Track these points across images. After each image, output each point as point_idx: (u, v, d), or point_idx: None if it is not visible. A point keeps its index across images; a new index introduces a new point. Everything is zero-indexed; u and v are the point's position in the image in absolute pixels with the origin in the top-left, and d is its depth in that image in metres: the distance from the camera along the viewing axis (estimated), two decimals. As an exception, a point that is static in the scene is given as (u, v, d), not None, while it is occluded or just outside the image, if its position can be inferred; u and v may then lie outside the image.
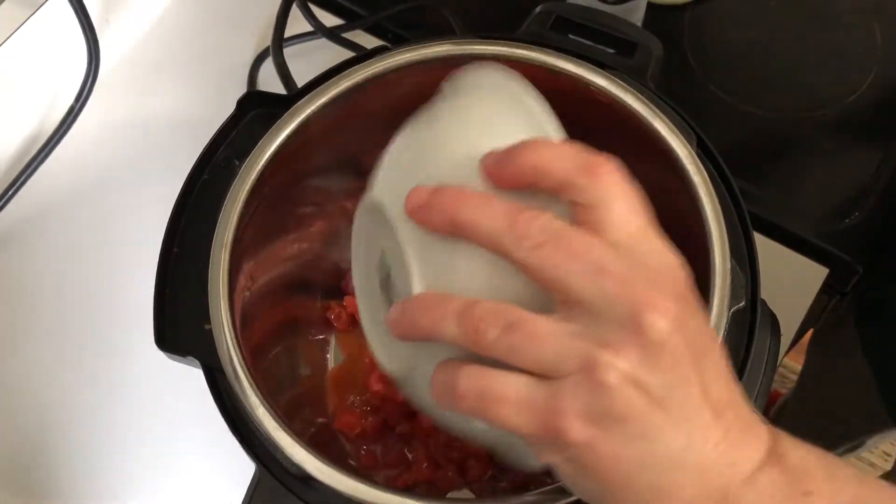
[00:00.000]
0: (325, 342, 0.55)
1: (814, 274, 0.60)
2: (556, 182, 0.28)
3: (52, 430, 0.57)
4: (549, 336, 0.27)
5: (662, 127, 0.42)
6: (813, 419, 0.87)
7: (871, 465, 1.13)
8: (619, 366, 0.26)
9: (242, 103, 0.46)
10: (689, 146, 0.42)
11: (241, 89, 0.69)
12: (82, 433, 0.57)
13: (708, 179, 0.40)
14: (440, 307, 0.28)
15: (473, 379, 0.28)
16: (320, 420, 0.50)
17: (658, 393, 0.27)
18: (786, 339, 0.56)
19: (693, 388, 0.28)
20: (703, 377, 0.28)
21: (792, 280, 0.59)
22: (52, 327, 0.60)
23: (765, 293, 0.43)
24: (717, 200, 0.40)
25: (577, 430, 0.27)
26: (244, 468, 0.41)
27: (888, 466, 1.11)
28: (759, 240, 0.60)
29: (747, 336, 0.40)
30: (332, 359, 0.54)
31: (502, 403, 0.28)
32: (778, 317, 0.44)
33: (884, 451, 1.12)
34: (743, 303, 0.39)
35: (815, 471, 0.30)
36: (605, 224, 0.28)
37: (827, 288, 0.61)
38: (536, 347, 0.27)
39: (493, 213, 0.28)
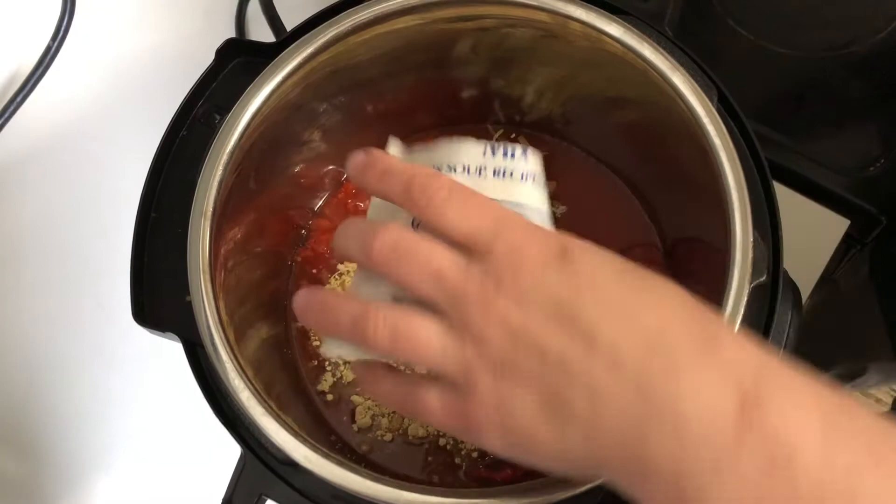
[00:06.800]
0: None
1: (834, 224, 0.57)
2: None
3: (33, 388, 0.55)
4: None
5: (681, 82, 0.38)
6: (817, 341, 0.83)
7: (877, 400, 1.12)
8: None
9: (222, 52, 0.42)
10: (709, 103, 0.38)
11: (229, 23, 0.65)
12: (63, 395, 0.55)
13: (731, 144, 0.36)
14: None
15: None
16: (312, 393, 0.48)
17: None
18: (804, 292, 0.53)
19: None
20: None
21: (811, 231, 0.56)
22: (33, 277, 0.58)
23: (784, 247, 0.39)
24: (739, 167, 0.36)
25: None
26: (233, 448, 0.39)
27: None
28: (778, 190, 0.57)
29: (768, 311, 0.37)
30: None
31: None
32: (796, 269, 0.41)
33: (890, 388, 1.11)
34: (764, 277, 0.36)
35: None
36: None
37: (847, 238, 0.58)
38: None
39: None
